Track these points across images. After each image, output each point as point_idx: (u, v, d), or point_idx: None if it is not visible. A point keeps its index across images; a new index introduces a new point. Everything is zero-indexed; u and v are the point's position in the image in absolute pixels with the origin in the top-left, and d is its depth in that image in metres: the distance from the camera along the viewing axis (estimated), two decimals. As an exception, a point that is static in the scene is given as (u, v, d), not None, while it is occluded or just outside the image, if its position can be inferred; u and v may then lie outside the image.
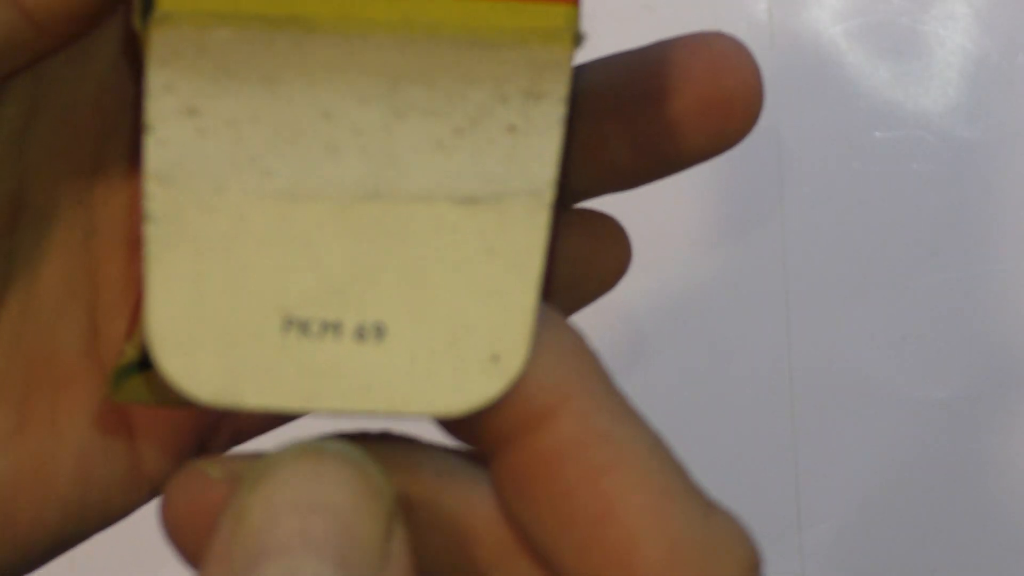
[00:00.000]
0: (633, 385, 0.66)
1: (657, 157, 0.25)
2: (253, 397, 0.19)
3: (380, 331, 0.20)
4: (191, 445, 0.26)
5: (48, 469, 0.24)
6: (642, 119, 0.25)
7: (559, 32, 0.20)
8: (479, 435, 0.20)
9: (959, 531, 0.57)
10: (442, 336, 0.20)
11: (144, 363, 0.22)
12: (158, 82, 0.20)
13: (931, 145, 0.62)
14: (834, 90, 0.63)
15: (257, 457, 0.20)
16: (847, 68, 0.63)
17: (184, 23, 0.20)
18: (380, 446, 0.21)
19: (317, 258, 0.20)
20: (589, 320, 0.61)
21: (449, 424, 0.21)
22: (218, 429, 0.26)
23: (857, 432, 0.58)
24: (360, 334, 0.20)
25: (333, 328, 0.20)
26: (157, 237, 0.20)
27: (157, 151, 0.20)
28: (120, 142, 0.25)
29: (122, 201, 0.25)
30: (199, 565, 0.21)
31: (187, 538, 0.21)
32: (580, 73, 0.24)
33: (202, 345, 0.19)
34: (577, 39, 0.21)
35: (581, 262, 0.26)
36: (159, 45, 0.20)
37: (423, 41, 0.20)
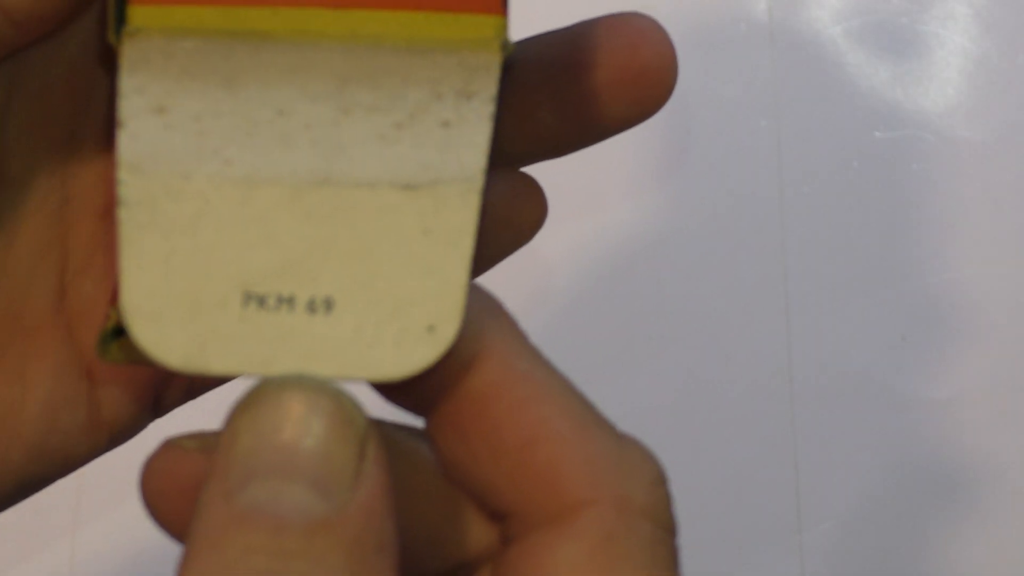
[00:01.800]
0: (633, 384, 0.66)
1: (581, 125, 0.28)
2: (217, 363, 0.22)
3: (329, 304, 0.22)
4: (148, 397, 0.28)
5: (15, 415, 0.27)
6: (567, 89, 0.28)
7: (489, 40, 0.23)
8: (416, 391, 0.23)
9: (958, 531, 0.57)
10: (384, 309, 0.22)
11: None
12: (129, 85, 0.23)
13: (931, 145, 0.62)
14: (834, 90, 0.63)
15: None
16: (847, 68, 0.63)
17: (153, 35, 0.23)
18: None
19: (273, 238, 0.22)
20: (591, 319, 0.61)
21: (387, 388, 0.23)
22: (172, 383, 0.29)
23: (857, 432, 0.58)
24: (311, 307, 0.22)
25: (288, 301, 0.22)
26: (129, 220, 0.22)
27: (129, 144, 0.22)
28: (92, 119, 0.28)
29: (94, 173, 0.28)
30: (178, 534, 0.23)
31: (165, 507, 0.23)
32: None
33: (171, 317, 0.22)
34: (506, 46, 0.23)
35: (500, 217, 0.29)
36: (130, 54, 0.23)
37: (367, 49, 0.23)
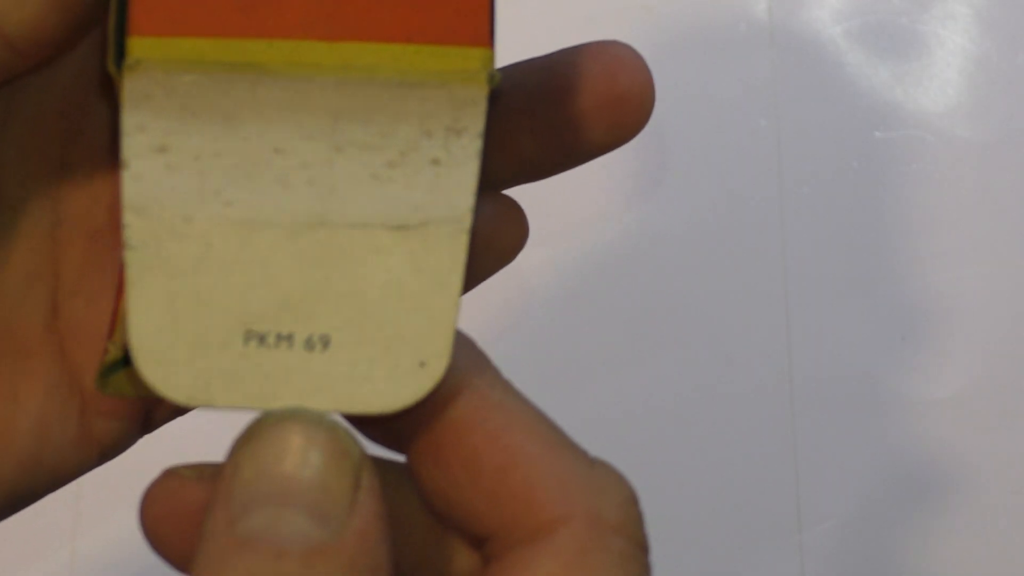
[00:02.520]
0: (633, 384, 0.66)
1: (561, 149, 0.29)
2: (220, 398, 0.23)
3: (326, 342, 0.23)
4: (138, 413, 0.29)
5: (7, 431, 0.28)
6: (548, 115, 0.28)
7: (476, 72, 0.24)
8: (397, 426, 0.24)
9: (959, 531, 0.57)
10: (378, 346, 0.23)
11: (126, 361, 0.25)
12: (132, 123, 0.23)
13: (931, 145, 0.62)
14: (834, 90, 0.63)
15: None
16: (847, 68, 0.63)
17: (153, 69, 0.23)
18: None
19: (272, 279, 0.23)
20: (592, 319, 0.61)
21: (369, 427, 0.24)
22: (162, 401, 0.29)
23: (857, 432, 0.58)
24: (309, 344, 0.23)
25: (287, 339, 0.23)
26: (135, 262, 0.23)
27: (132, 186, 0.23)
28: (84, 144, 0.28)
29: (86, 195, 0.29)
30: (175, 560, 0.24)
31: (164, 533, 0.24)
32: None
33: (176, 355, 0.23)
34: (492, 78, 0.24)
35: (483, 239, 0.30)
36: (131, 89, 0.23)
37: (358, 83, 0.24)
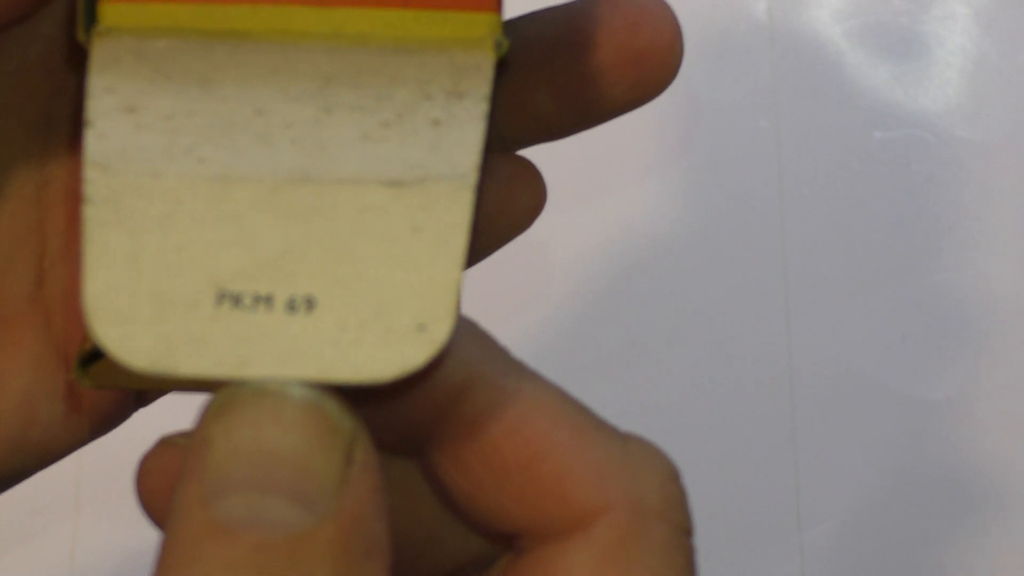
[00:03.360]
0: (633, 384, 0.66)
1: (580, 107, 0.27)
2: (187, 365, 0.20)
3: (310, 303, 0.20)
4: (129, 389, 0.27)
5: None
6: (565, 70, 0.26)
7: (482, 40, 0.22)
8: (407, 428, 0.22)
9: (959, 531, 0.57)
10: (370, 307, 0.20)
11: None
12: (99, 85, 0.21)
13: (931, 145, 0.62)
14: (834, 90, 0.63)
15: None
16: (847, 68, 0.63)
17: (125, 35, 0.22)
18: None
19: (249, 236, 0.21)
20: (591, 318, 0.61)
21: (379, 432, 0.22)
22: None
23: (857, 432, 0.58)
24: (291, 306, 0.20)
25: (265, 301, 0.20)
26: (94, 217, 0.21)
27: (96, 143, 0.21)
28: (69, 101, 0.26)
29: (73, 155, 0.27)
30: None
31: (160, 504, 0.23)
32: (508, 28, 0.25)
33: (137, 317, 0.20)
34: (500, 46, 0.22)
35: (496, 203, 0.28)
36: (100, 54, 0.22)
37: (351, 49, 0.22)
